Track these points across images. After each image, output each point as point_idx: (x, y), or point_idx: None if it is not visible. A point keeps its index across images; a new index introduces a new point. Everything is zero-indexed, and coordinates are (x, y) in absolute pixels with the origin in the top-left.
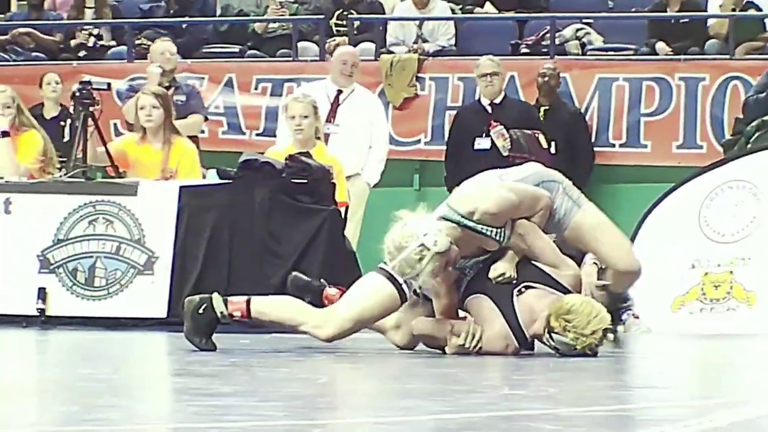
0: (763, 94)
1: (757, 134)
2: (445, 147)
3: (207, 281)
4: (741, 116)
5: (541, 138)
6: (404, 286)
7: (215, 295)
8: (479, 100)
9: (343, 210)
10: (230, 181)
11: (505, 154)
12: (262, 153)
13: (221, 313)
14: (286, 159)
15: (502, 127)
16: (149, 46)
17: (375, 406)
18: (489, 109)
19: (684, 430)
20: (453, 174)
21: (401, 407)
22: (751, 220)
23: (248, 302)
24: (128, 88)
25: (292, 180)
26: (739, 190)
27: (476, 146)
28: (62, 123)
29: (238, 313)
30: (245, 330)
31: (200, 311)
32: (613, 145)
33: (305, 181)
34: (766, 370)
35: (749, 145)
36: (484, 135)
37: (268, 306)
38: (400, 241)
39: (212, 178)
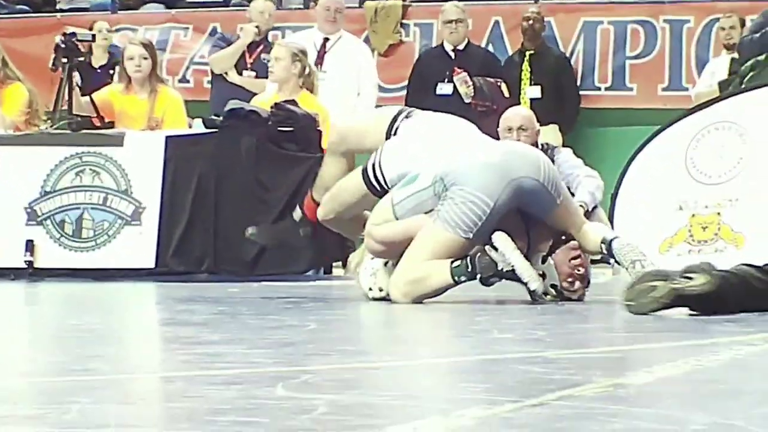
0: (758, 34)
1: (751, 74)
2: (405, 92)
3: (195, 230)
4: (736, 56)
5: (503, 86)
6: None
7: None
8: (442, 45)
9: None
10: (216, 130)
11: (468, 100)
12: (248, 102)
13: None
14: (271, 107)
15: (466, 74)
16: None
17: (363, 351)
18: (452, 55)
19: (673, 370)
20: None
21: (390, 352)
22: (738, 161)
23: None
24: (219, 37)
25: (278, 128)
26: (725, 131)
27: (438, 91)
28: (111, 71)
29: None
30: (234, 279)
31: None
32: (599, 89)
33: (291, 128)
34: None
35: (743, 85)
36: (446, 80)
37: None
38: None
39: (198, 127)
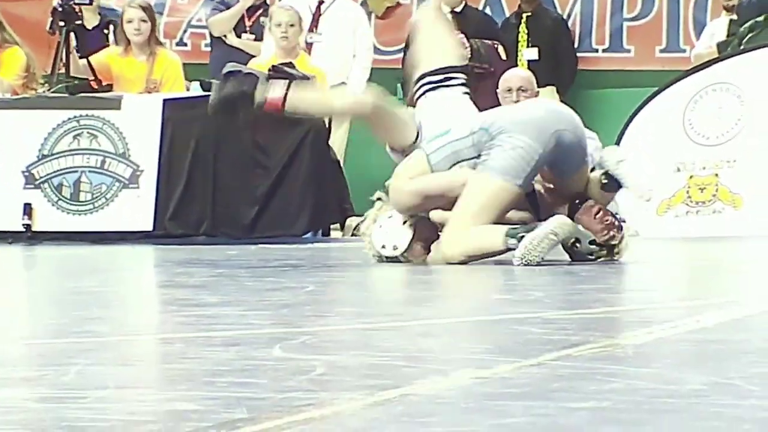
0: None
1: (749, 35)
2: (402, 54)
3: (193, 193)
4: (735, 17)
5: (500, 49)
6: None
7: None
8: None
9: (327, 120)
10: None
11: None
12: (246, 64)
13: (258, 103)
14: (269, 69)
15: (463, 36)
16: None
17: (361, 313)
18: (449, 17)
19: (671, 331)
20: (409, 82)
21: (388, 313)
22: (736, 123)
23: (284, 99)
24: (219, 0)
25: None
26: (722, 92)
27: None
28: (105, 31)
29: (273, 108)
30: (232, 241)
31: (240, 89)
32: (597, 51)
33: None
34: (752, 272)
35: (741, 46)
36: None
37: (303, 99)
38: (375, 259)
39: (196, 90)
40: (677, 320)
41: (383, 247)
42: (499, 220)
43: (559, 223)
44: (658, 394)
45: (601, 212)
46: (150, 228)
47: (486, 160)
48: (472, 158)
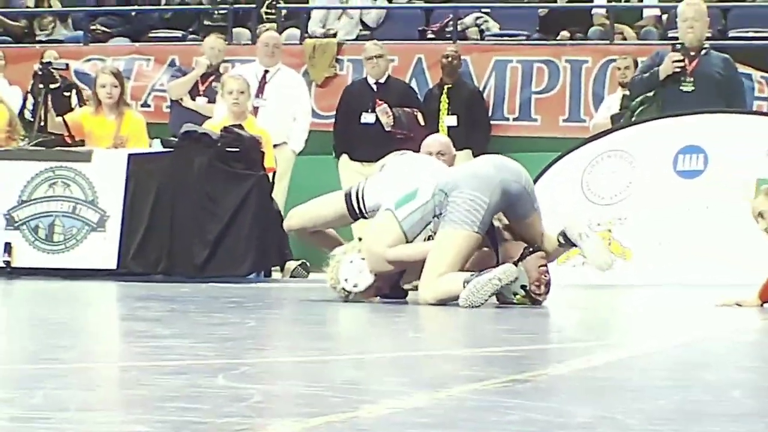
0: (647, 74)
1: (640, 108)
2: (334, 120)
3: (152, 236)
4: (627, 93)
5: (419, 116)
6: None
7: None
8: (366, 79)
9: (271, 175)
10: (173, 149)
11: (388, 129)
12: (201, 125)
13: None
14: (221, 130)
15: (386, 105)
16: (103, 31)
17: (296, 347)
18: (374, 87)
19: (565, 368)
20: (341, 142)
21: (320, 348)
22: (627, 185)
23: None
24: (177, 68)
25: (227, 149)
26: (616, 158)
27: (362, 120)
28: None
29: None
30: (186, 279)
31: None
32: (508, 119)
33: (238, 149)
34: (638, 316)
35: (633, 118)
36: (369, 110)
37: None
38: (330, 283)
39: (157, 147)
40: (571, 359)
41: (346, 280)
42: (466, 261)
43: (503, 270)
44: (550, 426)
45: (544, 267)
46: (114, 266)
47: (445, 215)
48: (435, 216)
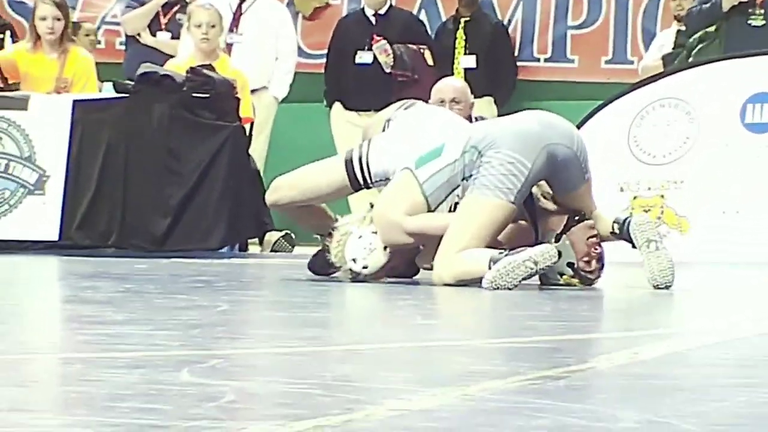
0: (708, 5)
1: (699, 47)
2: (325, 60)
3: (102, 202)
4: (684, 28)
5: (427, 54)
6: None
7: None
8: (363, 9)
9: (247, 126)
10: (127, 95)
11: (388, 70)
12: (162, 65)
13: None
14: (187, 72)
15: (385, 42)
16: None
17: (277, 336)
18: (373, 20)
19: (606, 363)
20: (333, 88)
21: (305, 337)
22: (684, 141)
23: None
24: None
25: (193, 94)
26: (671, 108)
27: (357, 60)
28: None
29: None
30: (142, 254)
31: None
32: (538, 60)
33: (207, 95)
34: (695, 301)
35: (691, 59)
36: (366, 48)
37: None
38: (334, 260)
39: (109, 91)
40: (613, 352)
41: (353, 260)
42: (495, 236)
43: (542, 251)
44: None
45: (594, 237)
46: (56, 238)
47: (476, 177)
48: (464, 179)
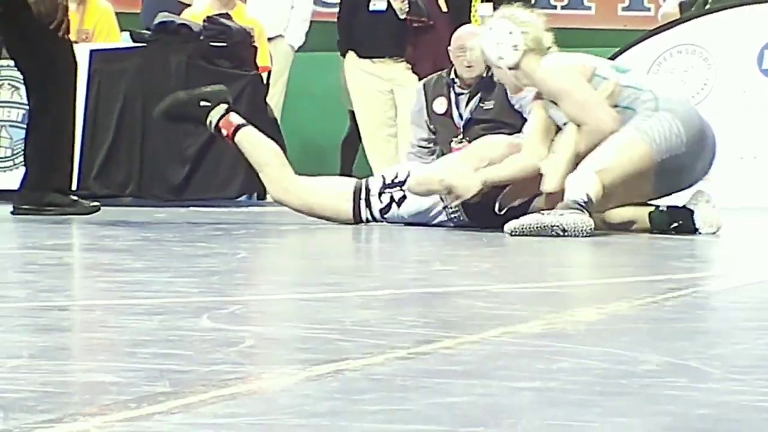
0: None
1: None
2: (337, 8)
3: (119, 152)
4: None
5: (441, 0)
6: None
7: (222, 106)
8: None
9: (264, 75)
10: (144, 44)
11: (402, 17)
12: (179, 14)
13: (210, 122)
14: (204, 21)
15: None
16: None
17: (296, 282)
18: None
19: (625, 308)
20: (346, 36)
21: (325, 283)
22: (702, 87)
23: (238, 127)
24: None
25: (211, 43)
26: (688, 54)
27: (371, 7)
28: None
29: (225, 131)
30: (160, 204)
31: (196, 105)
32: (555, 7)
33: (224, 44)
34: (715, 246)
35: (707, 5)
36: None
37: (251, 142)
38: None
39: (126, 41)
40: (632, 296)
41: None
42: (619, 182)
43: (574, 221)
44: (610, 374)
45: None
46: (74, 187)
47: (642, 121)
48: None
